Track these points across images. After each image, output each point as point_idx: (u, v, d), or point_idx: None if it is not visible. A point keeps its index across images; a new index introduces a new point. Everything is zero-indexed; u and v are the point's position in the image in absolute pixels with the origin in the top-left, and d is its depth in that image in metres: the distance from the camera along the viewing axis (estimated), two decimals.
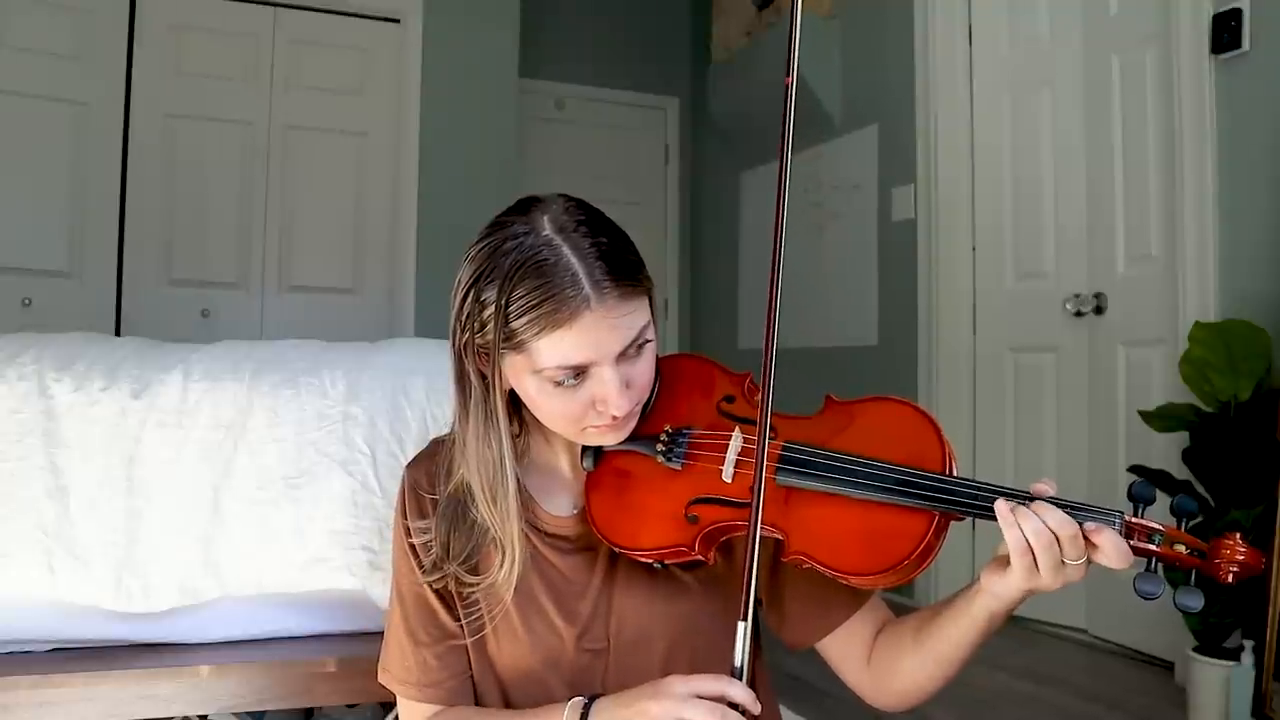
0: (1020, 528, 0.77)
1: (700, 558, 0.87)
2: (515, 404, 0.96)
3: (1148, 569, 0.77)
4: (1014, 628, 2.82)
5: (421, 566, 0.98)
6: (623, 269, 0.86)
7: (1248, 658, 2.03)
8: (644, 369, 0.90)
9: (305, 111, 3.91)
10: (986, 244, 3.27)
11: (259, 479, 1.34)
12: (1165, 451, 2.42)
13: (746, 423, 0.91)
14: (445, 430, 1.44)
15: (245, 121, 3.83)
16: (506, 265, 0.85)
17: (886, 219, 3.63)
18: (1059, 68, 3.02)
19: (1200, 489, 2.25)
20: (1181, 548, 0.77)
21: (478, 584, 0.94)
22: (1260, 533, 2.03)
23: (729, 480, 0.88)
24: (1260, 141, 2.34)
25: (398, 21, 4.02)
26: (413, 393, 1.43)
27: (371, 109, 4.02)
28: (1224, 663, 2.08)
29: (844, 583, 0.82)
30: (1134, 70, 2.74)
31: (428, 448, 1.06)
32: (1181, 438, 2.29)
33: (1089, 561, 0.77)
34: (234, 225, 3.82)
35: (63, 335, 1.45)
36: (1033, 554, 0.77)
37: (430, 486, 1.00)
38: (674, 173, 5.26)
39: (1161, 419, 2.30)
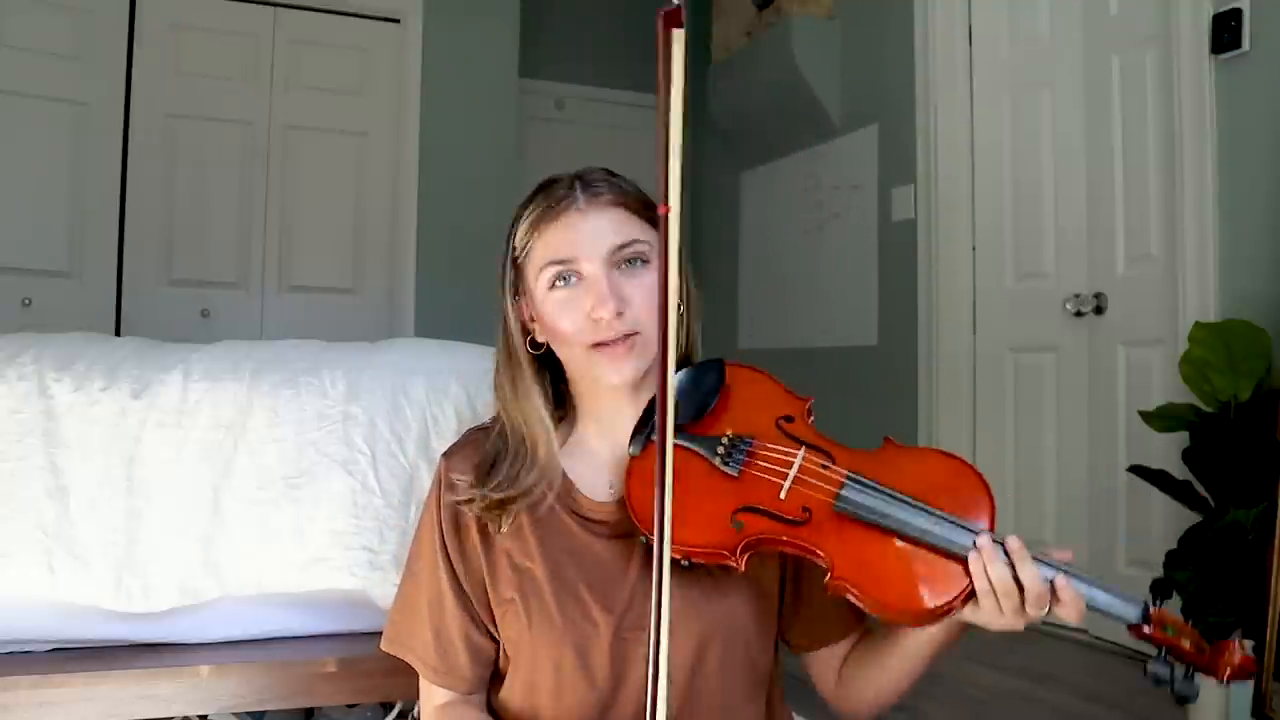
0: (987, 574, 0.82)
1: (734, 564, 0.88)
2: (557, 395, 1.03)
3: (1159, 657, 0.82)
4: None
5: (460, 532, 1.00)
6: (620, 188, 0.97)
7: None
8: (640, 288, 0.94)
9: (305, 111, 3.91)
10: (986, 244, 3.27)
11: (259, 479, 1.34)
12: (1165, 451, 2.42)
13: (811, 448, 0.92)
14: (447, 430, 1.44)
15: (245, 121, 3.83)
16: (530, 192, 0.99)
17: (886, 219, 3.63)
18: (1059, 68, 3.02)
19: (1200, 489, 2.25)
20: (1187, 642, 0.82)
21: (516, 495, 0.96)
22: (1260, 533, 2.03)
23: (783, 497, 0.89)
24: (1260, 141, 2.34)
25: (398, 21, 4.02)
26: (413, 392, 1.43)
27: (371, 109, 4.02)
28: None
29: (882, 617, 0.85)
30: (1134, 70, 2.74)
31: (464, 436, 1.07)
32: (1181, 438, 2.29)
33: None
34: (234, 225, 3.82)
35: (63, 335, 1.45)
36: (995, 597, 0.82)
37: (467, 468, 1.01)
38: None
39: (1161, 419, 2.29)
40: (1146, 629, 0.82)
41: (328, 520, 1.33)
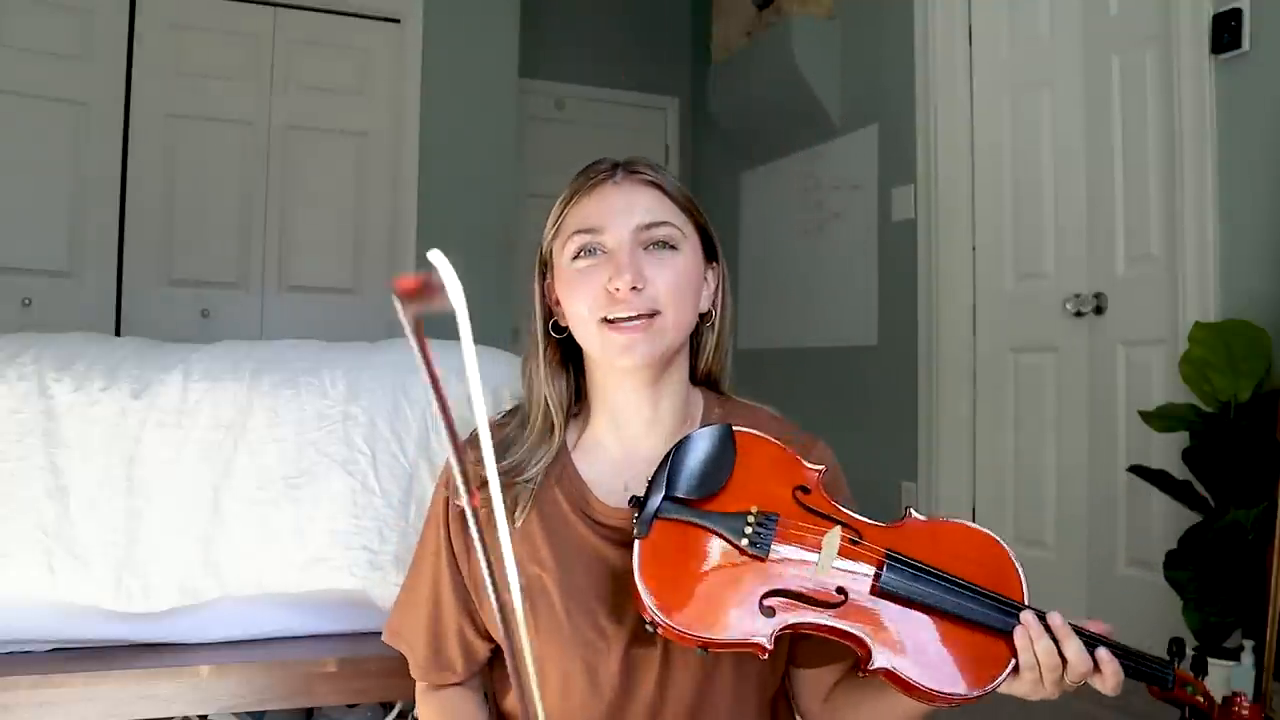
0: (1034, 649, 0.81)
1: (762, 653, 0.81)
2: (577, 389, 1.02)
3: (1182, 716, 0.85)
4: None
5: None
6: (661, 172, 0.98)
7: (1248, 658, 2.03)
8: (664, 269, 0.93)
9: (305, 111, 3.90)
10: (986, 244, 3.27)
11: (259, 479, 1.34)
12: (1165, 451, 2.42)
13: (842, 525, 0.87)
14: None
15: (245, 121, 3.83)
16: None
17: (886, 219, 3.63)
18: (1059, 68, 3.02)
19: (1200, 489, 2.25)
20: (1203, 698, 0.87)
21: (518, 479, 0.96)
22: (1260, 533, 2.03)
23: (818, 578, 0.84)
24: (1260, 141, 2.34)
25: (398, 21, 4.02)
26: (413, 392, 1.43)
27: (371, 109, 4.02)
28: (1224, 663, 2.08)
29: (921, 700, 0.82)
30: (1134, 70, 2.74)
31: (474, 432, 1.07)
32: (1181, 438, 2.29)
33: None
34: (234, 225, 3.82)
35: (63, 335, 1.45)
36: (1039, 670, 0.81)
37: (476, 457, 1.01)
38: (674, 172, 5.25)
39: (1161, 419, 2.30)
40: (1173, 691, 0.83)
41: (328, 520, 1.33)
